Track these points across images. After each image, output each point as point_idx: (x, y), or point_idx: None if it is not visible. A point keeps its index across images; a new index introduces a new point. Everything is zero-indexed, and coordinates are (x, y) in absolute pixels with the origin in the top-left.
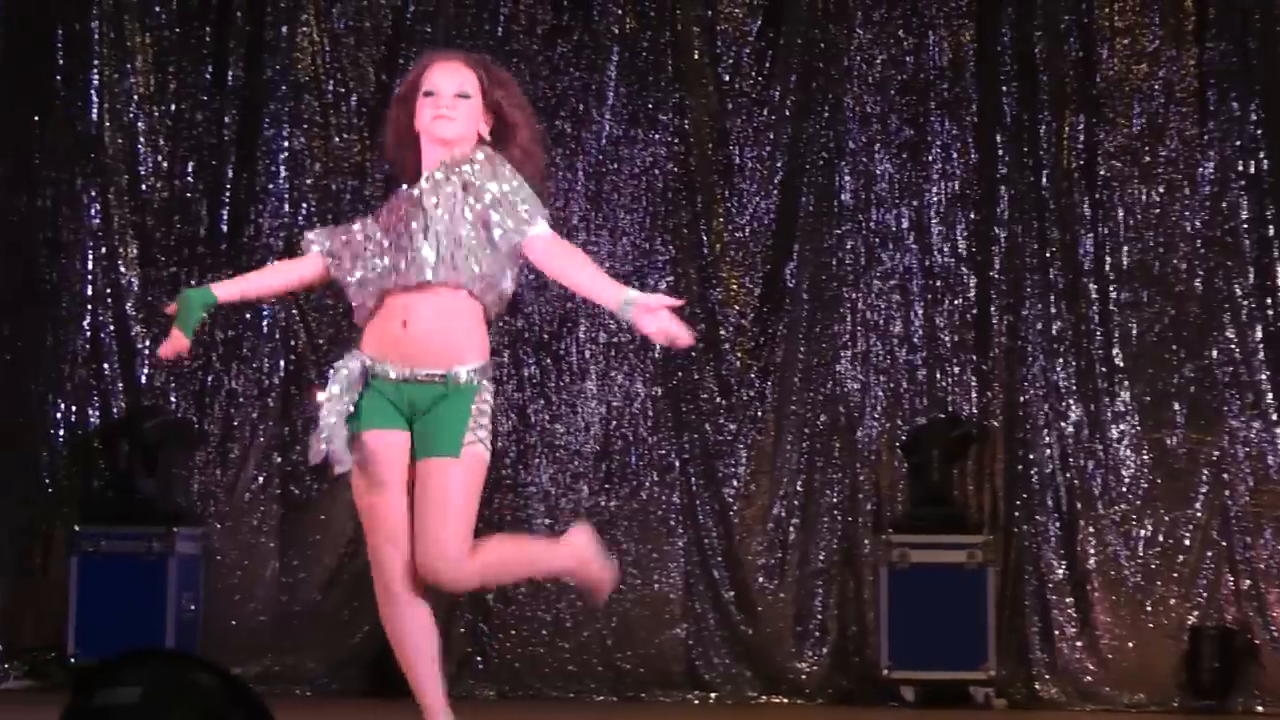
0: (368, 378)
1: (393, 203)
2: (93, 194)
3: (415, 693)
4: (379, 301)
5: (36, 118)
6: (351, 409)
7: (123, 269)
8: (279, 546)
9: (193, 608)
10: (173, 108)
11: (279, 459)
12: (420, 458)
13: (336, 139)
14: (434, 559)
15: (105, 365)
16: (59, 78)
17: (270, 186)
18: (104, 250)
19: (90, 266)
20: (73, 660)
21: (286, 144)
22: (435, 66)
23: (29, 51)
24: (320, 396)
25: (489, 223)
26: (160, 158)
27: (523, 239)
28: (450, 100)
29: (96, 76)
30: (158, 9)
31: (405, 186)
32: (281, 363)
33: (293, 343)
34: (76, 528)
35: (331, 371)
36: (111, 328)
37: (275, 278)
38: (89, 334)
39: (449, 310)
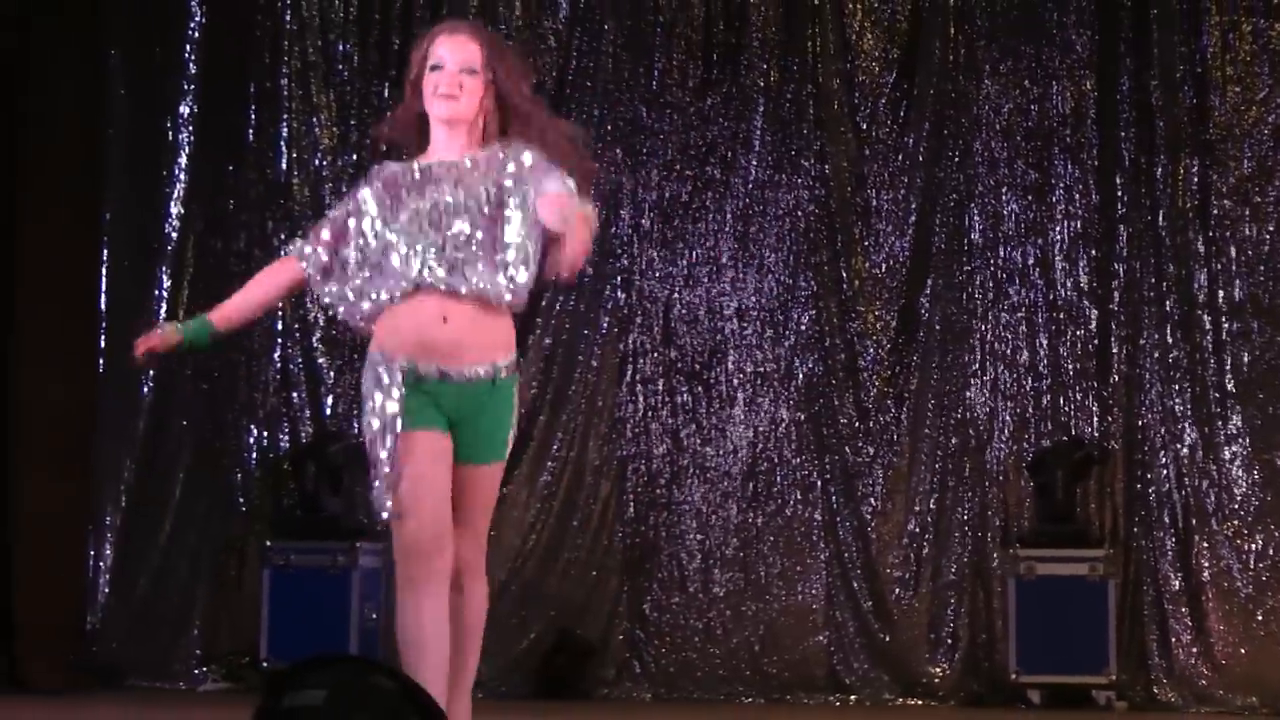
0: (405, 379)
1: (403, 180)
2: (281, 237)
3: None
4: (405, 297)
5: (231, 167)
6: (398, 412)
7: (309, 306)
8: None
9: (374, 616)
10: (354, 157)
11: None
12: (468, 462)
13: None
14: (478, 552)
15: (294, 394)
16: (251, 131)
17: None
18: None
19: (279, 304)
20: (265, 664)
21: None
22: (444, 37)
23: (225, 107)
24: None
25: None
26: None
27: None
28: (454, 76)
29: (285, 129)
30: (340, 68)
31: (416, 168)
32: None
33: None
34: (268, 543)
35: (366, 380)
36: (299, 360)
37: (256, 291)
38: (279, 365)
39: (488, 308)
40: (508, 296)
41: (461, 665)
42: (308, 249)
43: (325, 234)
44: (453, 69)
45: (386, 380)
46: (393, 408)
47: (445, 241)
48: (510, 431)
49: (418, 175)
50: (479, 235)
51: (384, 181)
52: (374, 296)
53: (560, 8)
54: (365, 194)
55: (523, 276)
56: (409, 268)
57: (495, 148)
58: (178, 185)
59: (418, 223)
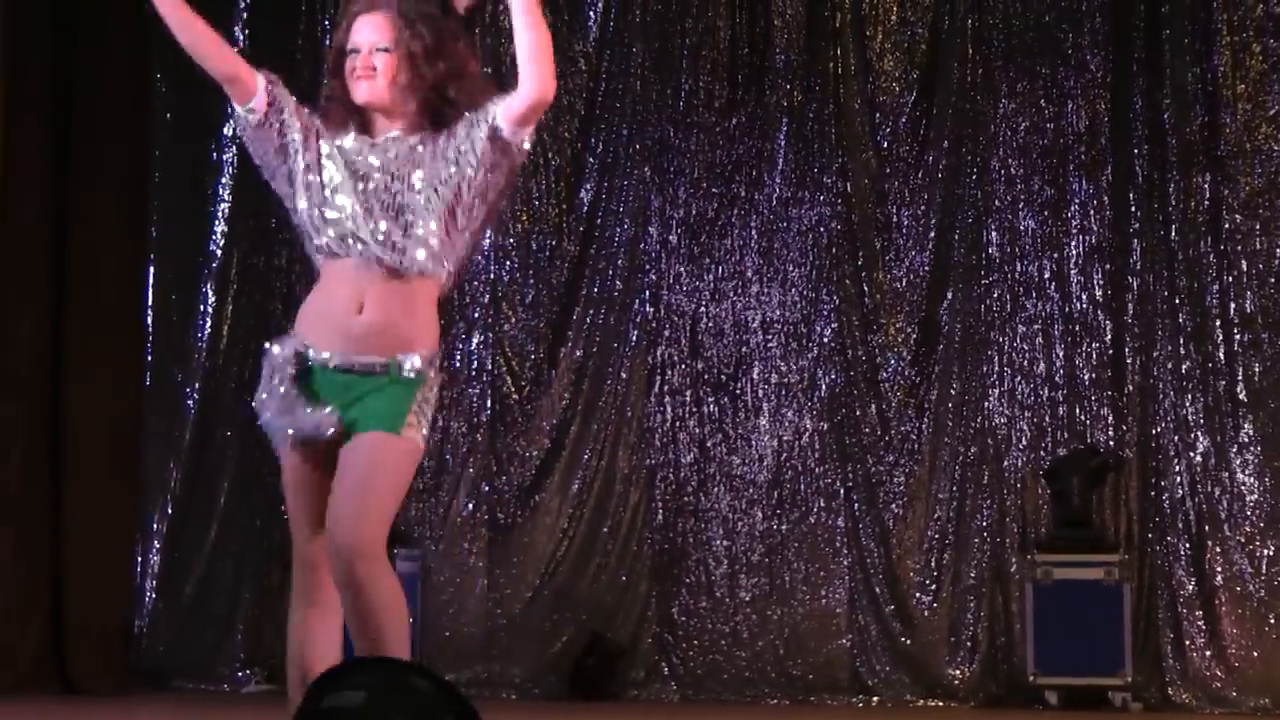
0: (303, 365)
1: (328, 127)
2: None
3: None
4: (324, 260)
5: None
6: (287, 396)
7: None
8: (487, 566)
9: (411, 620)
10: None
11: (486, 488)
12: (353, 433)
13: (537, 203)
14: (348, 530)
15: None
16: None
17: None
18: None
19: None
20: None
21: None
22: (360, 19)
23: None
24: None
25: (458, 174)
26: None
27: (493, 125)
28: (371, 58)
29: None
30: None
31: (352, 133)
32: (488, 404)
33: (501, 386)
34: None
35: (265, 359)
36: None
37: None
38: None
39: (407, 293)
40: (428, 266)
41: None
42: (263, 90)
43: (288, 109)
44: (365, 51)
45: (283, 361)
46: (281, 383)
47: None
48: (413, 415)
49: (348, 144)
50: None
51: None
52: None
53: (589, 31)
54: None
55: (434, 241)
56: (338, 235)
57: (446, 132)
58: (221, 204)
59: (351, 195)
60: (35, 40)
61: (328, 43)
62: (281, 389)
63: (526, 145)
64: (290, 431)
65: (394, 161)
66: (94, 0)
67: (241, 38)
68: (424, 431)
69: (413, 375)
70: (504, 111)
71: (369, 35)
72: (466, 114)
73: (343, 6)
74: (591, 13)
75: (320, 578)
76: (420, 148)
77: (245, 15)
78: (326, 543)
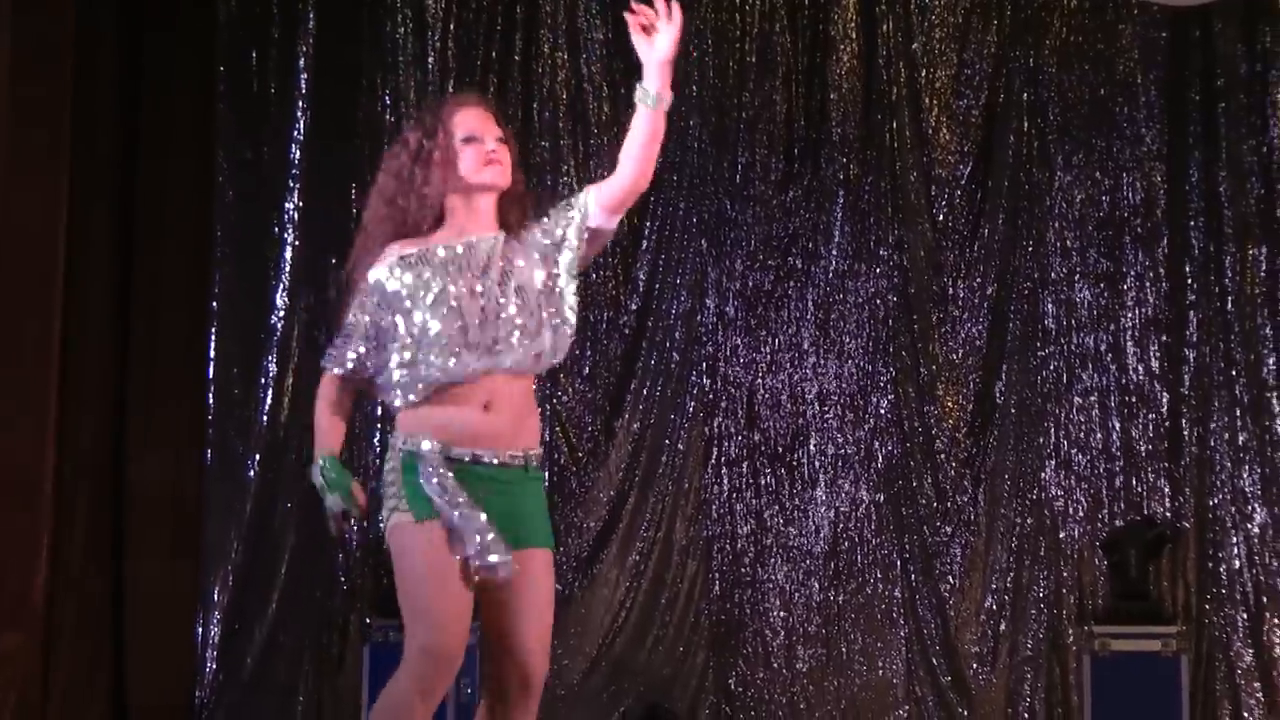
0: (433, 460)
1: (429, 259)
2: None
3: None
4: (446, 386)
5: (333, 260)
6: (405, 493)
7: None
8: None
9: (469, 691)
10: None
11: None
12: (516, 547)
13: (594, 275)
14: (539, 656)
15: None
16: (353, 226)
17: None
18: None
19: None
20: None
21: None
22: (464, 110)
23: (327, 203)
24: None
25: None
26: None
27: (585, 212)
28: (496, 146)
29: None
30: None
31: (441, 248)
32: (546, 476)
33: (559, 458)
34: (369, 620)
35: (391, 453)
36: None
37: (340, 417)
38: (378, 450)
39: (528, 390)
40: (555, 359)
41: None
42: (343, 368)
43: (358, 348)
44: (486, 138)
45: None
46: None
47: (489, 326)
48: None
49: (444, 253)
50: (527, 314)
51: (402, 263)
52: (417, 389)
53: None
54: (383, 282)
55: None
56: (446, 359)
57: (538, 220)
58: (283, 278)
59: (456, 308)
60: (101, 125)
61: (390, 120)
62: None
63: (612, 228)
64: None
65: (488, 263)
66: (158, 84)
67: (305, 116)
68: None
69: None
70: (597, 198)
71: (484, 126)
72: (550, 209)
73: (427, 103)
74: None
75: (447, 679)
76: (511, 243)
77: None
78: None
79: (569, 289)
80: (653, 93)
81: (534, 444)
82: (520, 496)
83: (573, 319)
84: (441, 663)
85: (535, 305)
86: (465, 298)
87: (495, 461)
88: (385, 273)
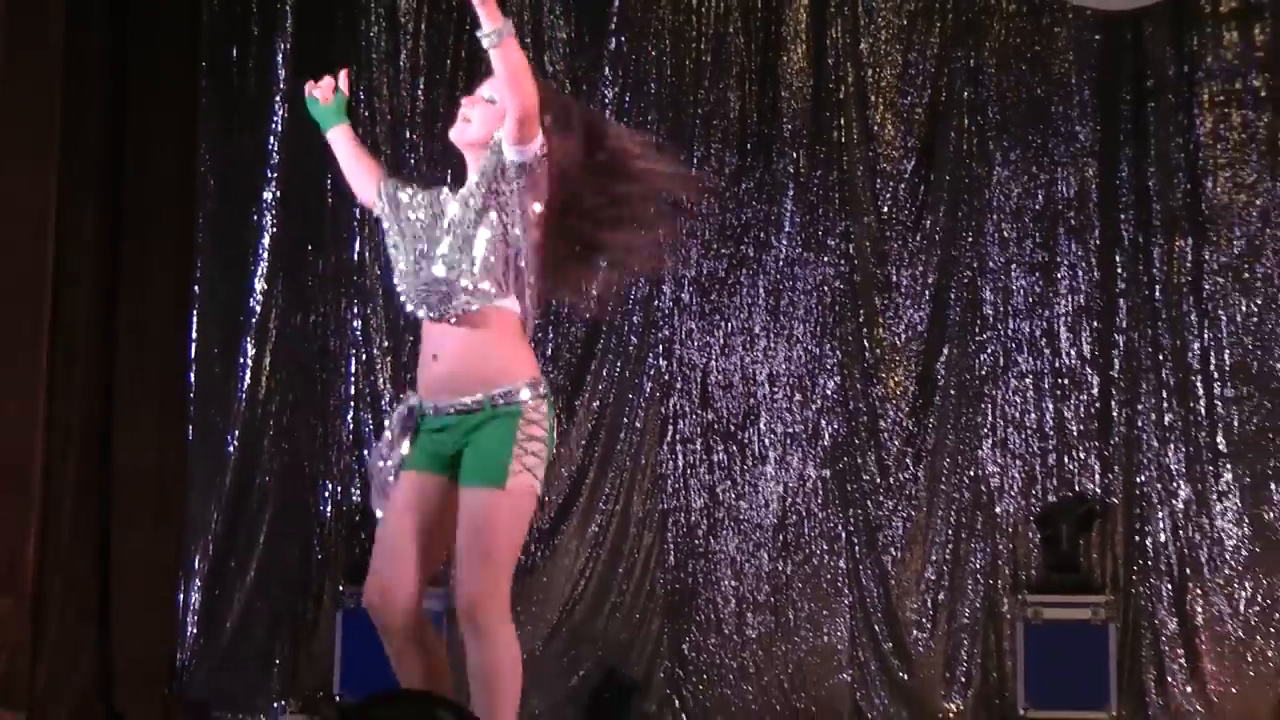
0: (416, 419)
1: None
2: (354, 311)
3: None
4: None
5: (309, 247)
6: (404, 455)
7: (378, 373)
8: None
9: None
10: None
11: None
12: (462, 485)
13: None
14: (466, 595)
15: (364, 452)
16: (328, 214)
17: None
18: (364, 357)
19: (353, 370)
20: (338, 699)
21: None
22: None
23: (304, 193)
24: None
25: (498, 194)
26: None
27: (499, 153)
28: (467, 103)
29: (358, 213)
30: (409, 157)
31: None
32: None
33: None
34: (342, 588)
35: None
36: (369, 422)
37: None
38: (351, 427)
39: (477, 334)
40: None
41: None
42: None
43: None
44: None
45: (400, 418)
46: (397, 439)
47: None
48: (517, 460)
49: (405, 198)
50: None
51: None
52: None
53: (605, 101)
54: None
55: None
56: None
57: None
58: (261, 263)
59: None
60: (89, 120)
61: (364, 115)
62: (390, 440)
63: (534, 151)
64: (401, 476)
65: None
66: (144, 81)
67: (282, 109)
68: (534, 472)
69: (507, 405)
70: (504, 138)
71: (481, 86)
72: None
73: None
74: (608, 85)
75: (378, 619)
76: (459, 196)
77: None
78: (389, 595)
79: (481, 232)
80: (491, 30)
81: (494, 385)
82: (463, 435)
83: (488, 260)
84: None
85: (456, 254)
86: (407, 243)
87: (452, 410)
88: (392, 187)
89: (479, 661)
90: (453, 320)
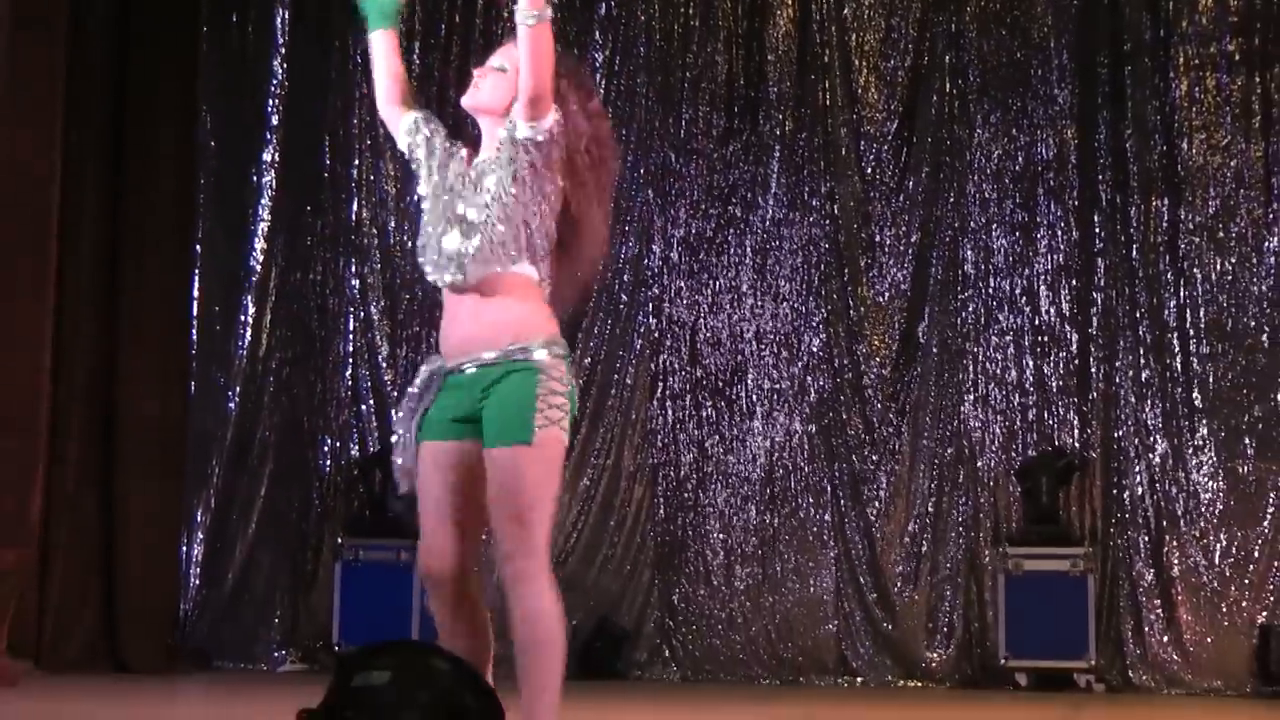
0: (438, 381)
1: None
2: (353, 269)
3: None
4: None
5: (308, 207)
6: (424, 417)
7: (376, 330)
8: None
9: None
10: (416, 199)
11: None
12: (487, 448)
13: None
14: (505, 555)
15: (363, 408)
16: (326, 175)
17: None
18: (361, 315)
19: (351, 327)
20: (337, 648)
21: None
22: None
23: (303, 154)
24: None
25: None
26: (406, 240)
27: (513, 131)
28: (478, 69)
29: (355, 174)
30: None
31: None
32: None
33: None
34: (340, 540)
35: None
36: (367, 379)
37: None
38: (350, 384)
39: (496, 298)
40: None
41: (523, 682)
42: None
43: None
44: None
45: (422, 380)
46: (418, 401)
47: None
48: (541, 415)
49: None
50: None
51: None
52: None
53: (596, 65)
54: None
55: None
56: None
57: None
58: (261, 223)
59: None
60: (94, 83)
61: (359, 81)
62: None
63: (546, 128)
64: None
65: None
66: (147, 45)
67: (281, 72)
68: (560, 424)
69: (527, 360)
70: (518, 115)
71: (493, 54)
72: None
73: None
74: (599, 48)
75: (427, 579)
76: (476, 166)
77: (284, 49)
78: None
79: (495, 204)
80: (534, 12)
81: (511, 342)
82: (481, 392)
83: (507, 227)
84: None
85: (479, 219)
86: (435, 198)
87: (472, 367)
88: (429, 129)
89: (522, 613)
90: (472, 286)
